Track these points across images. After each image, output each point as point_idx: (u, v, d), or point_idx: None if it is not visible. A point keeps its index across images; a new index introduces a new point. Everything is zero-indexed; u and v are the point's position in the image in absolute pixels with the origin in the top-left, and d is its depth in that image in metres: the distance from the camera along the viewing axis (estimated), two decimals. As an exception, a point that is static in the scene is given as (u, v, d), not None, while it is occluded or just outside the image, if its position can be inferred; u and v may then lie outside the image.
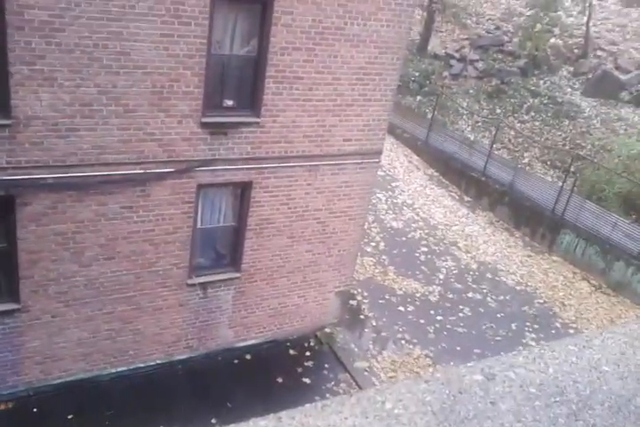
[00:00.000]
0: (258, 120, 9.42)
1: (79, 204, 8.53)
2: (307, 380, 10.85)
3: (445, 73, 25.00)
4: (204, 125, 9.01)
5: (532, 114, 23.12)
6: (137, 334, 9.97)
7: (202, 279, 10.19)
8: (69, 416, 8.92)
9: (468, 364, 1.48)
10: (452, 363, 11.64)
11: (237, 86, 9.42)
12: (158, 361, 10.36)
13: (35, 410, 9.00)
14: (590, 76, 25.04)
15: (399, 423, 1.23)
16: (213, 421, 9.30)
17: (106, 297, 9.37)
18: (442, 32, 27.64)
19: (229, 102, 9.40)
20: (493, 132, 20.63)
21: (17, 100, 7.60)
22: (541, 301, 14.77)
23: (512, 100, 23.58)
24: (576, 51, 26.52)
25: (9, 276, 8.63)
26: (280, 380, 10.60)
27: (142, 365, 10.21)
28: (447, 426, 1.25)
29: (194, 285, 10.11)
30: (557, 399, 1.38)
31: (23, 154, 7.87)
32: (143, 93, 8.35)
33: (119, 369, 10.01)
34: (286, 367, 10.97)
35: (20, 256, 8.44)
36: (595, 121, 22.98)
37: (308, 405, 1.28)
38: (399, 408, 1.27)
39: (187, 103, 8.72)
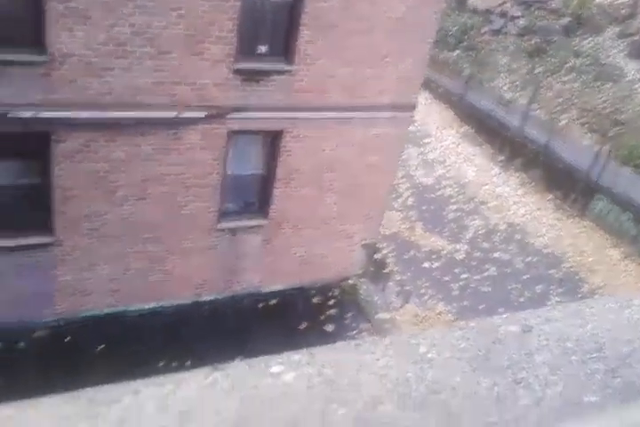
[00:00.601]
0: (291, 68, 9.35)
1: (112, 144, 8.69)
2: (329, 327, 11.07)
3: (485, 29, 24.18)
4: (236, 71, 8.98)
5: (573, 75, 22.33)
6: (166, 274, 10.28)
7: (230, 224, 10.38)
8: (99, 348, 9.35)
9: (504, 315, 1.47)
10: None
11: (271, 33, 9.32)
12: (185, 301, 10.71)
13: (66, 340, 9.46)
14: (637, 37, 23.93)
15: (432, 367, 1.23)
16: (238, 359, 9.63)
17: (136, 236, 9.64)
18: (484, -14, 26.56)
19: (263, 49, 9.32)
20: (531, 92, 20.08)
21: (52, 38, 7.68)
22: (568, 265, 14.64)
23: (553, 60, 22.75)
24: (623, 11, 25.27)
25: (44, 211, 8.91)
26: (303, 326, 10.84)
27: (170, 303, 10.57)
28: (481, 374, 1.25)
29: (222, 229, 10.31)
30: (595, 355, 1.36)
31: (58, 91, 8.00)
32: (177, 36, 8.34)
33: (147, 306, 10.39)
34: (309, 314, 11.20)
35: (54, 192, 8.71)
36: (637, 85, 22.11)
37: (340, 342, 1.30)
38: (433, 353, 1.27)
39: (220, 48, 8.69)
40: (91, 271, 9.65)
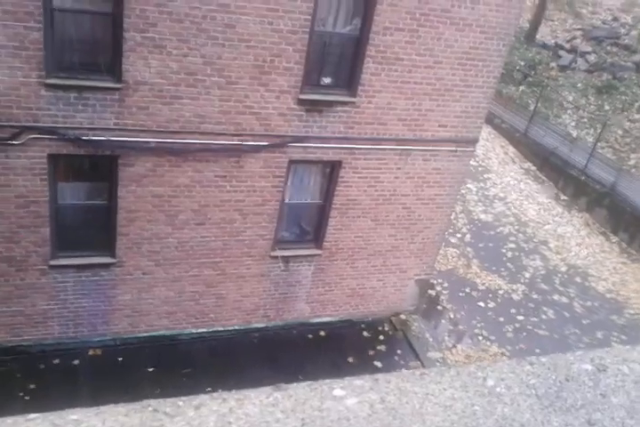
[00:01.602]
0: (354, 100, 9.45)
1: (177, 169, 8.95)
2: (378, 363, 10.86)
3: (553, 64, 23.90)
4: (300, 102, 9.15)
5: (644, 114, 21.72)
6: (219, 299, 10.39)
7: (285, 253, 10.43)
8: (150, 369, 9.46)
9: (577, 352, 1.42)
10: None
11: (336, 65, 9.48)
12: (236, 327, 10.75)
13: (120, 359, 9.63)
14: None
15: (501, 402, 1.19)
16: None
17: (194, 260, 9.82)
18: (553, 21, 26.41)
19: (327, 80, 9.49)
20: (599, 130, 19.60)
21: (128, 66, 8.05)
22: (632, 311, 13.97)
23: (623, 97, 22.23)
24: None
25: (108, 232, 9.21)
26: (351, 360, 10.69)
27: (221, 328, 10.64)
28: (552, 412, 1.20)
29: (277, 257, 10.37)
30: None
31: (130, 117, 8.35)
32: (245, 67, 8.60)
33: (199, 330, 10.49)
34: (358, 348, 11.04)
35: (119, 214, 9.01)
36: None
37: (405, 371, 1.27)
38: (501, 387, 1.24)
39: (286, 79, 8.89)
40: (149, 293, 9.86)
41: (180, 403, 0.99)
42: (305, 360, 10.36)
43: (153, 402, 0.98)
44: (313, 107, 9.29)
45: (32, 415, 0.95)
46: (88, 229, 9.32)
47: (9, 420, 0.93)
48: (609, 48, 24.27)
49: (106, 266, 9.41)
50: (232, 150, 9.13)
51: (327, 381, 1.15)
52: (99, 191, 9.15)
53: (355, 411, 1.08)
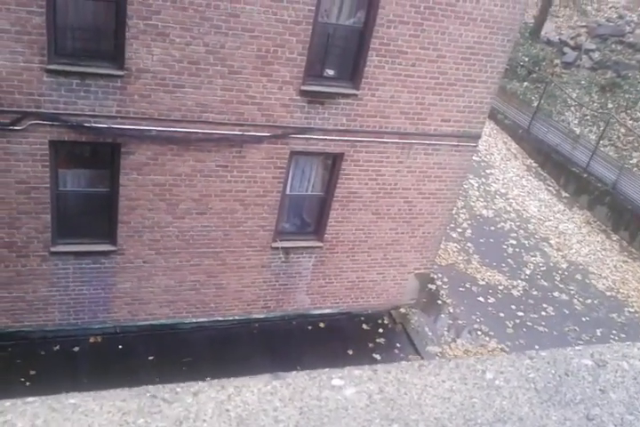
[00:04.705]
0: (356, 92, 9.41)
1: (178, 158, 8.94)
2: (377, 356, 10.89)
3: (557, 61, 23.79)
4: (302, 93, 9.11)
5: (648, 112, 21.65)
6: (219, 289, 10.41)
7: (285, 244, 10.43)
8: (150, 357, 9.49)
9: (576, 347, 1.41)
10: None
11: (340, 57, 9.44)
12: (236, 317, 10.78)
13: (120, 347, 9.66)
14: None
15: (500, 395, 1.19)
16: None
17: (194, 250, 9.82)
18: (558, 17, 26.26)
19: (330, 72, 9.44)
20: (602, 128, 19.54)
21: (130, 53, 8.01)
22: (632, 310, 14.00)
23: (627, 96, 22.14)
24: None
25: (109, 219, 9.21)
26: (350, 352, 10.71)
27: (221, 318, 10.67)
28: (551, 406, 1.20)
29: (277, 248, 10.37)
30: None
31: (132, 105, 8.32)
32: (248, 56, 8.56)
33: (200, 320, 10.52)
34: (358, 341, 11.06)
35: (120, 202, 8.99)
36: None
37: (404, 362, 1.27)
38: (500, 380, 1.23)
39: (289, 69, 8.85)
40: (149, 281, 9.87)
41: (179, 389, 0.99)
42: (304, 351, 10.39)
43: (151, 388, 0.98)
44: (315, 98, 9.25)
45: (30, 399, 0.94)
46: (89, 216, 9.32)
47: (7, 403, 0.93)
48: (613, 46, 24.15)
49: (106, 253, 9.40)
50: (234, 140, 9.11)
51: (326, 370, 1.15)
52: (100, 179, 9.14)
53: (353, 401, 1.08)
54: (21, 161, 8.30)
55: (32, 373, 8.90)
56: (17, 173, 8.35)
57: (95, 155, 9.13)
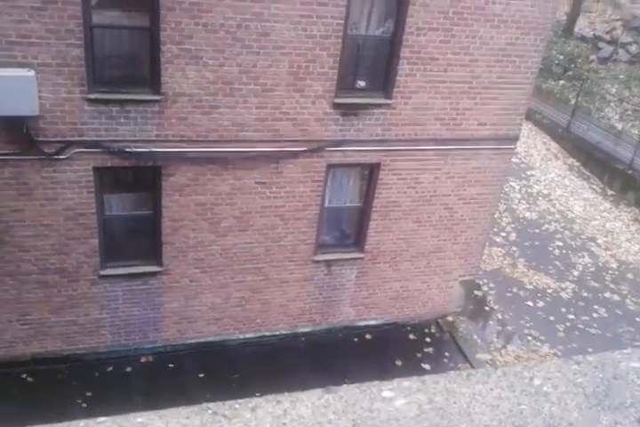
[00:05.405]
0: (389, 102, 9.42)
1: (218, 177, 9.09)
2: (426, 366, 10.77)
3: (593, 56, 23.33)
4: (336, 106, 9.17)
5: (692, 104, 20.99)
6: (264, 304, 10.49)
7: (327, 257, 10.46)
8: (200, 375, 9.60)
9: (624, 350, 1.40)
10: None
11: (370, 67, 9.48)
12: (283, 331, 10.84)
13: (170, 365, 9.82)
14: None
15: (548, 401, 1.19)
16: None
17: (238, 266, 9.94)
18: (591, 12, 25.78)
19: (362, 83, 9.49)
20: (645, 122, 19.05)
21: (166, 78, 8.22)
22: (688, 308, 13.50)
23: (669, 88, 21.57)
24: None
25: (153, 241, 9.42)
26: (399, 363, 10.62)
27: (268, 333, 10.74)
28: (600, 410, 1.18)
29: (319, 261, 10.41)
30: None
31: (170, 128, 8.53)
32: (281, 73, 8.68)
33: (246, 336, 10.61)
34: (406, 351, 10.96)
35: (163, 223, 9.20)
36: None
37: (452, 372, 1.28)
38: (548, 386, 1.23)
39: (321, 84, 8.93)
40: (195, 300, 10.03)
41: (237, 405, 1.02)
42: (352, 364, 10.35)
43: (211, 405, 1.02)
44: (349, 110, 9.30)
45: (101, 419, 0.99)
46: (134, 238, 9.55)
47: (81, 423, 0.98)
48: (651, 37, 23.59)
49: (153, 274, 9.61)
50: (270, 157, 9.22)
51: (375, 382, 1.17)
52: (143, 201, 9.37)
53: (403, 411, 1.10)
54: (68, 188, 8.57)
55: (88, 394, 9.12)
56: (64, 200, 8.63)
57: (137, 178, 9.38)
